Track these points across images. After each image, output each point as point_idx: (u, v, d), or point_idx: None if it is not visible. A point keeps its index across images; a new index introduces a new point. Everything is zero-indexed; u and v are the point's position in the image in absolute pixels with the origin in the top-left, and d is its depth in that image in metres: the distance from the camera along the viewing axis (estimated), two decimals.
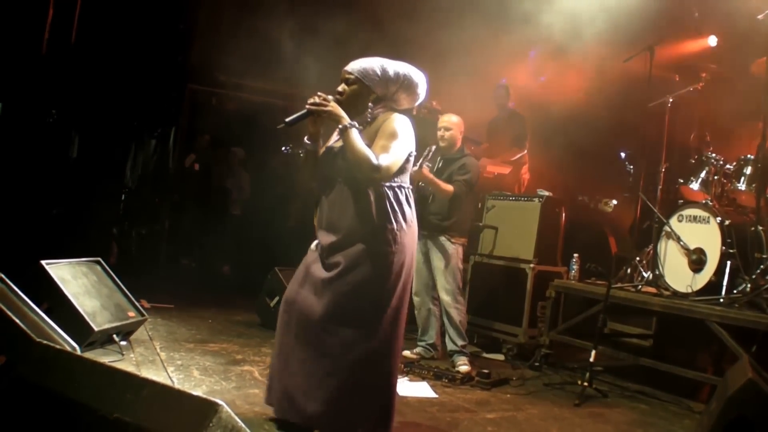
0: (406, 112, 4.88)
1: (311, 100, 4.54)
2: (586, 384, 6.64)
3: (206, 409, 2.47)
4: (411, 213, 4.66)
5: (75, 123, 13.71)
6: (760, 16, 7.75)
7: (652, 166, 8.49)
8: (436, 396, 6.29)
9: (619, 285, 7.68)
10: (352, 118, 4.57)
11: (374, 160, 4.35)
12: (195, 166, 14.20)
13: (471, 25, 9.54)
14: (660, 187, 8.02)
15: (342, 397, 4.41)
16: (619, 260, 8.60)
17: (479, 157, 8.01)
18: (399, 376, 6.75)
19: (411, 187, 4.74)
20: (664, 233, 7.60)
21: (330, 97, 4.56)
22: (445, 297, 7.49)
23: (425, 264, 7.71)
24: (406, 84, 4.76)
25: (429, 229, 7.53)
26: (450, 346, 7.50)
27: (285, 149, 13.47)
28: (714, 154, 7.67)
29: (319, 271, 4.58)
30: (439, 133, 7.74)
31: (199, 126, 14.61)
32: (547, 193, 8.51)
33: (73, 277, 6.55)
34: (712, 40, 10.15)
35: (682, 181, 7.96)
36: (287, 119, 4.57)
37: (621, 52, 9.00)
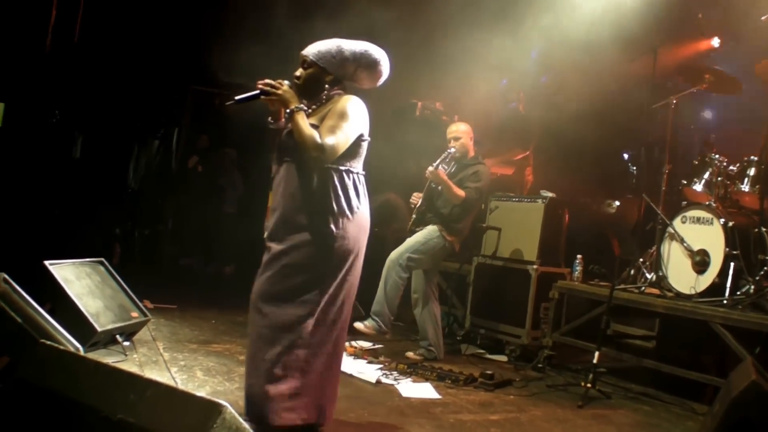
0: (362, 93, 4.86)
1: (263, 82, 4.54)
2: (589, 385, 6.64)
3: (210, 410, 2.47)
4: (359, 200, 4.63)
5: (78, 123, 13.71)
6: (763, 18, 7.76)
7: (655, 168, 8.48)
8: (440, 397, 6.29)
9: (622, 286, 7.66)
10: (309, 101, 4.64)
11: (318, 139, 4.33)
12: (198, 167, 14.19)
13: (476, 27, 9.53)
14: (663, 188, 8.00)
15: (271, 380, 4.42)
16: (622, 262, 8.60)
17: (483, 160, 7.98)
18: (396, 377, 6.77)
19: (362, 173, 4.73)
20: (667, 235, 7.59)
21: (285, 82, 4.55)
22: (389, 262, 7.62)
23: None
24: (364, 62, 4.76)
25: (427, 222, 7.65)
26: (370, 312, 7.66)
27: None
28: (717, 156, 7.65)
29: (265, 257, 4.62)
30: (450, 144, 7.75)
31: (202, 127, 14.61)
32: (550, 195, 8.50)
33: (76, 278, 6.55)
34: (716, 42, 10.15)
35: (685, 182, 7.94)
36: (237, 97, 4.57)
37: (625, 53, 9.01)
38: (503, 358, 8.26)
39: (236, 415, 2.49)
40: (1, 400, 3.72)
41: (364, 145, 4.69)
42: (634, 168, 9.72)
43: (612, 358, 7.54)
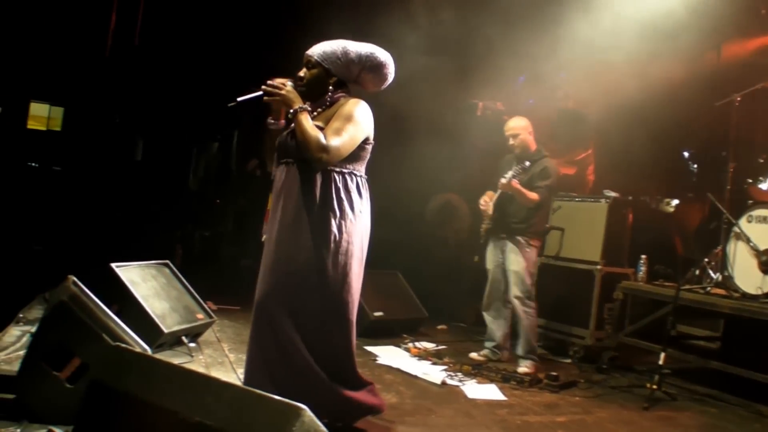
0: (368, 96, 4.85)
1: (267, 84, 4.51)
2: (654, 387, 6.57)
3: (289, 413, 2.47)
4: (361, 202, 4.61)
5: (139, 126, 13.84)
6: None
7: (719, 166, 8.38)
8: (505, 398, 6.27)
9: (687, 287, 7.58)
10: (313, 102, 4.60)
11: (322, 140, 4.30)
12: (257, 171, 14.23)
13: (533, 25, 9.49)
14: (728, 187, 7.90)
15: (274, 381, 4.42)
16: (685, 261, 8.50)
17: (547, 153, 7.87)
18: (461, 378, 6.76)
19: (365, 176, 4.70)
20: (733, 234, 7.49)
21: (288, 83, 4.52)
22: (516, 300, 7.41)
23: (498, 266, 7.64)
24: (369, 65, 4.71)
25: (507, 232, 7.48)
26: (517, 350, 7.44)
27: None
28: None
29: (265, 259, 4.61)
30: (509, 142, 7.64)
31: (261, 130, 14.65)
32: (613, 194, 8.42)
33: (142, 280, 6.61)
34: None
35: (750, 181, 7.85)
36: (239, 98, 4.53)
37: (687, 50, 8.91)
38: (567, 359, 8.21)
39: (315, 419, 2.49)
40: (75, 401, 3.77)
41: (369, 148, 4.67)
42: (695, 166, 9.61)
43: (676, 359, 7.45)
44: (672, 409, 6.50)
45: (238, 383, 3.23)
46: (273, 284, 4.47)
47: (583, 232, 8.31)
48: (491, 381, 6.77)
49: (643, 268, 8.10)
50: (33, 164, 23.08)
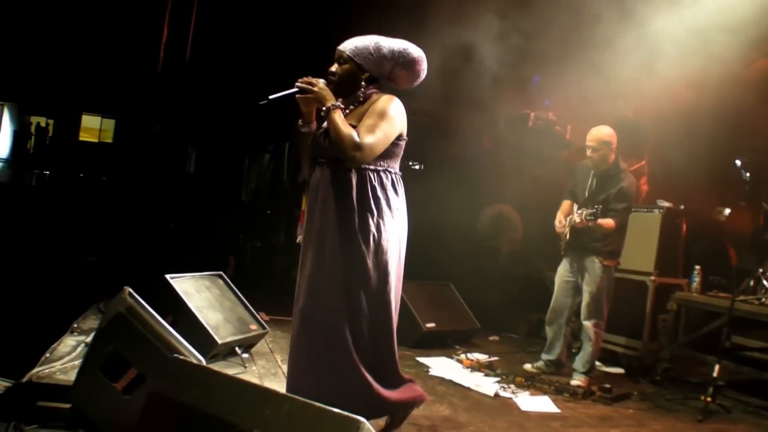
0: (404, 93, 4.78)
1: (299, 81, 4.44)
2: (709, 399, 6.52)
3: (348, 426, 2.47)
4: (398, 199, 4.57)
5: (191, 138, 13.96)
6: None
7: None
8: (558, 411, 6.24)
9: (742, 298, 7.51)
10: (345, 98, 4.54)
11: (356, 138, 4.24)
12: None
13: (588, 35, 9.46)
14: None
15: (319, 380, 4.43)
16: (740, 272, 8.41)
17: (624, 168, 7.74)
18: (514, 390, 6.74)
19: (399, 173, 4.65)
20: None
21: (320, 81, 4.44)
22: (586, 321, 7.31)
23: (569, 282, 7.55)
24: (402, 61, 4.65)
25: (582, 250, 7.36)
26: (576, 364, 7.37)
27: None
28: None
29: (304, 258, 4.59)
30: (588, 152, 7.40)
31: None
32: (667, 204, 8.36)
33: (196, 291, 6.65)
34: None
35: None
36: (271, 96, 4.45)
37: (740, 58, 8.85)
38: (620, 370, 8.17)
39: (373, 431, 2.50)
40: (130, 412, 3.80)
41: (402, 145, 4.61)
42: (747, 174, 9.52)
43: (731, 371, 7.37)
44: (727, 422, 6.46)
45: (293, 395, 3.24)
46: (314, 287, 4.47)
47: (637, 243, 8.23)
48: (544, 393, 6.75)
49: (697, 279, 8.04)
50: (85, 175, 23.35)
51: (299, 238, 4.80)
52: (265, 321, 7.47)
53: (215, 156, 14.08)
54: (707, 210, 9.74)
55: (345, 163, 4.39)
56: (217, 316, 6.59)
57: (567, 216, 7.45)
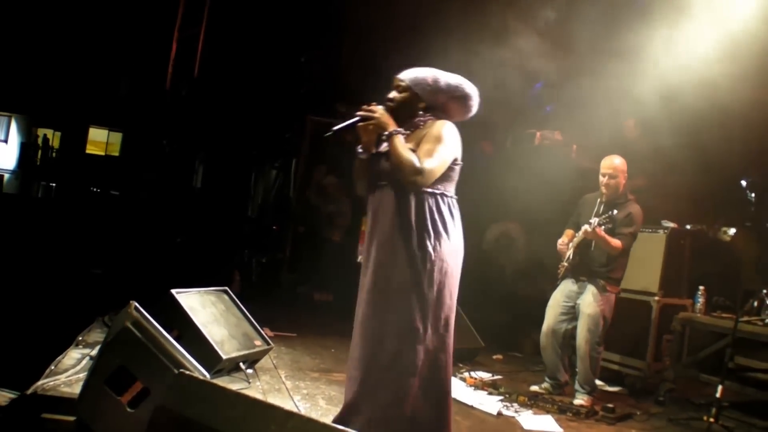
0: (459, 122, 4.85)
1: (360, 112, 4.58)
2: (712, 420, 6.51)
3: None
4: (453, 223, 4.63)
5: (198, 153, 14.01)
6: None
7: None
8: (561, 430, 6.25)
9: (746, 319, 7.51)
10: (400, 125, 4.60)
11: (417, 163, 4.36)
12: (331, 181, 14.18)
13: (593, 52, 9.49)
14: None
15: (366, 401, 4.50)
16: (745, 293, 8.41)
17: (632, 197, 7.75)
18: (517, 409, 6.75)
19: (455, 197, 4.72)
20: None
21: (379, 107, 4.60)
22: (583, 344, 7.26)
23: (565, 307, 7.53)
24: (456, 95, 4.78)
25: (587, 275, 7.36)
26: (577, 385, 7.36)
27: None
28: None
29: (364, 278, 4.67)
30: (603, 180, 7.42)
31: (320, 157, 14.70)
32: (671, 225, 8.38)
33: (201, 306, 6.66)
34: None
35: None
36: (334, 128, 4.60)
37: (746, 76, 8.85)
38: (623, 390, 8.16)
39: None
40: (135, 425, 3.82)
41: (457, 169, 4.70)
42: (753, 194, 9.51)
43: (735, 391, 7.37)
44: None
45: (295, 410, 3.26)
46: (373, 304, 4.54)
47: (641, 263, 8.23)
48: (547, 412, 6.75)
49: (701, 299, 8.04)
50: (92, 188, 23.43)
51: (360, 258, 4.88)
52: (270, 337, 7.48)
53: (222, 171, 14.11)
54: (712, 230, 9.74)
55: (405, 186, 4.48)
56: (222, 331, 6.60)
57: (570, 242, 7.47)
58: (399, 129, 4.53)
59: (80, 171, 25.99)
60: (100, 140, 30.33)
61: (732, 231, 8.53)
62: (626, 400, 7.73)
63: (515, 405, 6.85)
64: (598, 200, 7.48)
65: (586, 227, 7.12)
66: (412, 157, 4.39)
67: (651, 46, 9.33)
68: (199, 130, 13.67)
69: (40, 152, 29.03)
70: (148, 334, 4.48)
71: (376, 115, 4.54)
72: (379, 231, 4.59)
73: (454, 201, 4.71)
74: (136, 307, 4.81)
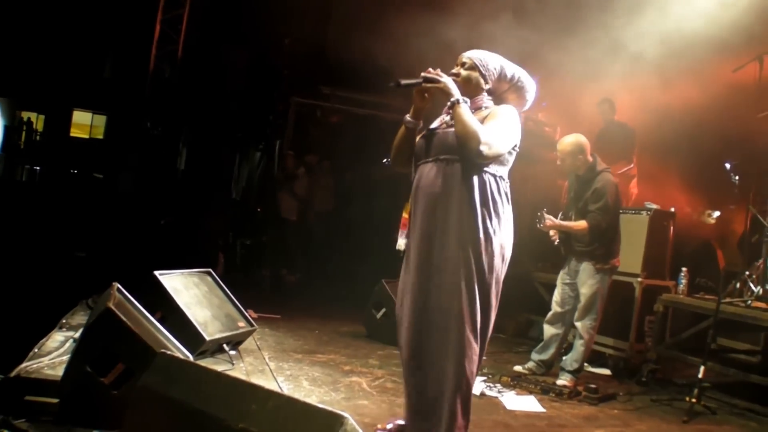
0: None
1: (425, 73, 4.49)
2: (694, 400, 6.53)
3: (332, 421, 2.50)
4: (507, 207, 4.55)
5: (182, 135, 13.97)
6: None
7: (761, 178, 8.34)
8: (544, 410, 6.26)
9: (728, 300, 7.54)
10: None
11: (483, 135, 4.24)
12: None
13: (577, 38, 9.48)
14: None
15: (425, 390, 4.43)
16: (728, 274, 8.44)
17: (602, 168, 7.77)
18: (500, 390, 6.77)
19: (508, 182, 4.61)
20: None
21: (445, 75, 4.51)
22: (579, 322, 7.32)
23: (569, 285, 7.54)
24: (517, 86, 4.74)
25: (576, 255, 7.38)
26: (564, 363, 7.40)
27: (386, 161, 13.53)
28: None
29: (412, 255, 4.55)
30: (558, 163, 7.50)
31: (304, 139, 14.69)
32: (655, 206, 8.39)
33: (185, 288, 6.66)
34: None
35: None
36: (401, 80, 4.48)
37: (729, 61, 8.88)
38: (606, 371, 8.19)
39: (357, 427, 2.52)
40: (118, 406, 3.82)
41: (514, 155, 4.61)
42: (737, 178, 9.55)
43: (717, 372, 7.40)
44: (712, 423, 6.47)
45: (279, 391, 3.27)
46: (430, 284, 4.43)
47: (624, 245, 8.22)
48: (530, 393, 6.76)
49: (683, 281, 8.07)
50: (76, 171, 23.35)
51: (400, 244, 4.79)
52: (254, 318, 7.50)
53: (206, 153, 14.09)
54: (696, 213, 9.78)
55: (469, 160, 4.37)
56: (206, 313, 6.60)
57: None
58: (465, 98, 4.45)
59: (64, 154, 25.90)
60: (84, 123, 30.19)
61: (716, 214, 8.57)
62: (609, 381, 7.76)
63: (498, 385, 6.85)
64: (574, 176, 7.53)
65: (538, 226, 7.16)
66: (480, 128, 4.29)
67: (633, 26, 9.35)
68: (182, 112, 13.63)
69: (23, 135, 28.90)
70: (130, 315, 4.49)
71: (442, 79, 4.46)
72: (441, 209, 4.43)
73: (507, 185, 4.60)
74: (118, 289, 4.82)
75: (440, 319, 4.38)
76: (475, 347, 4.39)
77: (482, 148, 4.24)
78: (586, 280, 7.27)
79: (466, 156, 4.36)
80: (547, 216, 7.09)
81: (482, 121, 4.46)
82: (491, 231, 4.38)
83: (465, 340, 4.34)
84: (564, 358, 7.40)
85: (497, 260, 4.44)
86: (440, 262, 4.40)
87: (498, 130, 4.37)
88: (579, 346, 7.28)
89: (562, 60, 9.41)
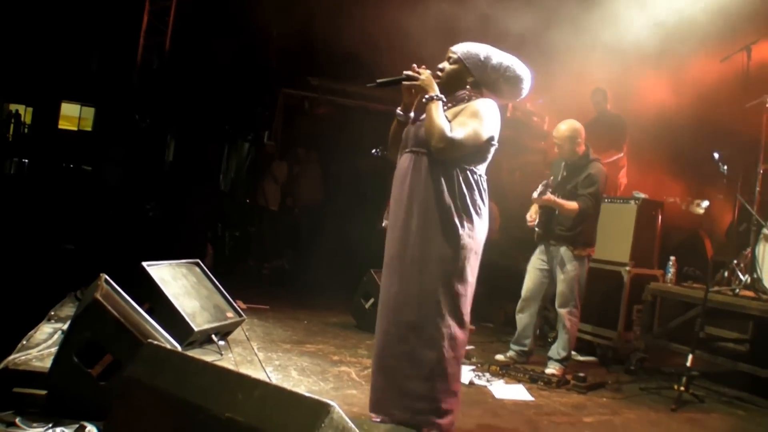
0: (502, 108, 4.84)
1: (406, 71, 4.58)
2: (682, 389, 6.55)
3: (318, 409, 2.49)
4: (483, 202, 4.57)
5: (170, 127, 13.95)
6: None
7: (749, 168, 8.35)
8: (533, 399, 6.28)
9: (716, 289, 7.56)
10: (447, 97, 4.60)
11: (447, 132, 4.32)
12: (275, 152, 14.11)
13: (569, 27, 9.49)
14: (758, 189, 7.87)
15: (395, 378, 4.49)
16: (716, 263, 8.46)
17: (594, 157, 7.82)
18: (489, 379, 6.77)
19: (485, 177, 4.66)
20: (762, 236, 7.48)
21: (426, 71, 4.59)
22: (561, 308, 7.35)
23: (543, 271, 7.57)
24: (507, 75, 4.74)
25: (555, 239, 7.39)
26: (551, 353, 7.43)
27: (375, 152, 13.53)
28: None
29: (389, 242, 4.64)
30: (555, 149, 7.60)
31: (292, 130, 14.68)
32: (643, 195, 8.41)
33: (173, 278, 6.66)
34: None
35: None
36: (379, 80, 4.64)
37: (717, 51, 8.89)
38: (595, 360, 8.21)
39: (343, 415, 2.52)
40: (106, 398, 3.82)
41: (492, 149, 4.63)
42: (725, 167, 9.56)
43: (705, 361, 7.42)
44: (700, 412, 6.49)
45: (267, 380, 3.27)
46: (399, 273, 4.51)
47: (613, 234, 8.28)
48: (519, 381, 6.78)
49: (672, 270, 8.09)
50: (64, 164, 23.30)
51: (385, 223, 4.85)
52: (242, 309, 7.49)
53: (194, 145, 14.06)
54: (685, 202, 9.79)
55: (434, 154, 4.44)
56: (194, 303, 6.60)
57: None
58: (440, 96, 4.50)
59: (53, 146, 25.84)
60: (72, 115, 30.11)
61: (705, 203, 8.58)
62: (597, 370, 7.77)
63: (487, 374, 6.86)
64: (563, 164, 7.56)
65: (533, 195, 7.20)
66: (444, 125, 4.36)
67: (622, 16, 9.36)
68: (170, 104, 13.61)
69: (12, 128, 28.81)
70: (118, 306, 4.48)
71: (421, 77, 4.54)
72: (407, 197, 4.52)
73: (484, 180, 4.64)
74: (106, 280, 4.81)
75: (412, 308, 4.45)
76: (453, 334, 4.47)
77: (442, 146, 4.35)
78: (566, 265, 7.31)
79: (431, 151, 4.44)
80: (542, 194, 7.15)
81: (456, 115, 4.53)
82: (457, 223, 4.43)
83: (440, 329, 4.41)
84: (552, 347, 7.42)
85: (464, 252, 4.47)
86: (412, 252, 4.47)
87: (466, 126, 4.42)
88: (563, 334, 7.32)
89: (551, 51, 9.42)
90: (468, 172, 4.51)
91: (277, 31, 13.59)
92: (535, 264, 7.57)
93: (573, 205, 7.19)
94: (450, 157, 4.43)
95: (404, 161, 4.65)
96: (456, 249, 4.42)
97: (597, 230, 7.48)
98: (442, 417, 4.44)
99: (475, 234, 4.52)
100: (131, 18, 14.52)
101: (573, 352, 7.85)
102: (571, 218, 7.24)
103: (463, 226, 4.43)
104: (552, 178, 7.28)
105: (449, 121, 4.44)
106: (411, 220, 4.48)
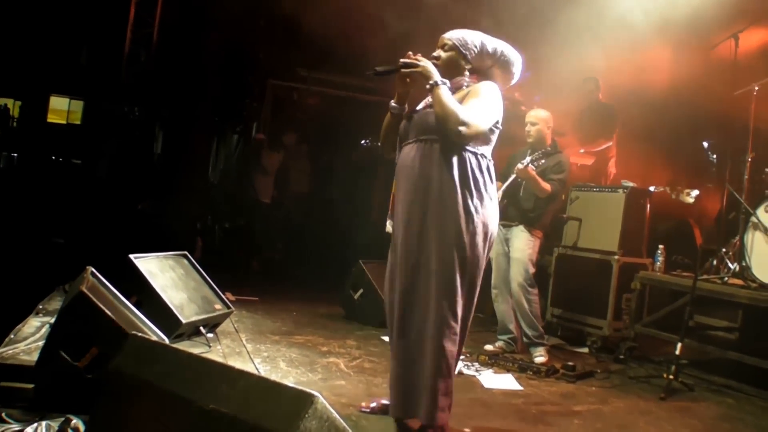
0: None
1: (403, 59, 4.55)
2: (671, 377, 6.55)
3: (302, 400, 2.50)
4: (492, 185, 4.58)
5: (159, 119, 13.91)
6: None
7: (737, 156, 8.35)
8: (522, 388, 6.28)
9: (705, 277, 7.56)
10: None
11: (462, 115, 4.29)
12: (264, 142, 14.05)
13: (561, 16, 9.50)
14: (746, 177, 7.87)
15: (406, 370, 4.49)
16: (705, 252, 8.47)
17: (562, 149, 7.87)
18: (478, 368, 6.77)
19: (492, 160, 4.66)
20: (750, 224, 7.47)
21: (423, 59, 4.56)
22: (516, 287, 7.41)
23: (503, 255, 7.64)
24: (501, 61, 4.77)
25: (513, 220, 7.48)
26: (524, 338, 7.47)
27: (364, 142, 13.53)
28: None
29: (396, 236, 4.62)
30: (526, 129, 7.64)
31: (281, 121, 14.66)
32: (631, 184, 8.40)
33: (160, 271, 6.65)
34: None
35: None
36: (377, 68, 4.59)
37: (705, 39, 8.89)
38: (584, 349, 8.21)
39: (327, 406, 2.52)
40: (93, 391, 3.81)
41: (497, 132, 4.64)
42: (714, 156, 9.56)
43: (694, 349, 7.42)
44: (689, 400, 6.49)
45: (252, 371, 3.27)
46: (413, 265, 4.47)
47: (601, 223, 8.29)
48: (507, 371, 6.78)
49: (660, 259, 8.09)
50: (54, 157, 23.23)
51: (388, 227, 4.81)
52: (231, 301, 7.51)
53: (183, 137, 14.02)
54: (675, 191, 9.80)
55: (450, 140, 4.41)
56: (182, 295, 6.59)
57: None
58: (444, 80, 4.48)
59: (42, 140, 25.77)
60: (61, 109, 30.02)
61: (695, 193, 8.58)
62: (587, 359, 7.78)
63: (476, 364, 6.86)
64: (528, 152, 7.56)
65: (518, 165, 7.23)
66: (458, 108, 4.33)
67: (610, 3, 9.37)
68: (158, 96, 13.58)
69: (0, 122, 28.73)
70: (104, 298, 4.48)
71: (421, 63, 4.51)
72: (421, 188, 4.48)
73: (491, 164, 4.64)
74: (92, 272, 4.80)
75: (424, 299, 4.41)
76: (455, 327, 4.43)
77: (461, 128, 4.30)
78: (519, 244, 7.45)
79: (446, 136, 4.40)
80: (531, 163, 7.21)
81: (462, 99, 4.51)
82: (473, 209, 4.41)
83: (445, 320, 4.38)
84: (524, 332, 7.46)
85: (479, 238, 4.46)
86: (424, 243, 4.44)
87: (477, 108, 4.42)
88: (521, 316, 7.45)
89: (539, 41, 9.42)
90: (478, 155, 4.51)
91: (264, 22, 13.57)
92: (497, 250, 7.60)
93: (547, 185, 7.30)
94: (467, 141, 4.41)
95: (409, 152, 4.62)
96: (472, 235, 4.43)
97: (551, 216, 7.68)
98: (445, 412, 4.47)
99: (488, 220, 4.53)
100: (119, 10, 14.48)
101: (562, 341, 7.88)
102: (535, 200, 7.39)
103: (477, 212, 4.43)
104: (530, 159, 7.28)
105: None
106: (429, 210, 4.45)
